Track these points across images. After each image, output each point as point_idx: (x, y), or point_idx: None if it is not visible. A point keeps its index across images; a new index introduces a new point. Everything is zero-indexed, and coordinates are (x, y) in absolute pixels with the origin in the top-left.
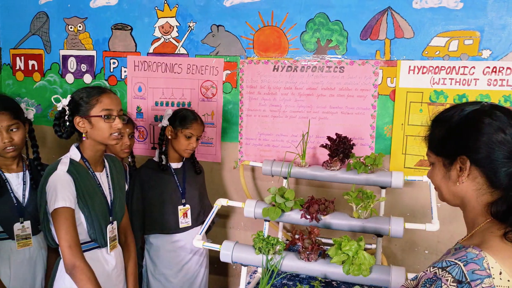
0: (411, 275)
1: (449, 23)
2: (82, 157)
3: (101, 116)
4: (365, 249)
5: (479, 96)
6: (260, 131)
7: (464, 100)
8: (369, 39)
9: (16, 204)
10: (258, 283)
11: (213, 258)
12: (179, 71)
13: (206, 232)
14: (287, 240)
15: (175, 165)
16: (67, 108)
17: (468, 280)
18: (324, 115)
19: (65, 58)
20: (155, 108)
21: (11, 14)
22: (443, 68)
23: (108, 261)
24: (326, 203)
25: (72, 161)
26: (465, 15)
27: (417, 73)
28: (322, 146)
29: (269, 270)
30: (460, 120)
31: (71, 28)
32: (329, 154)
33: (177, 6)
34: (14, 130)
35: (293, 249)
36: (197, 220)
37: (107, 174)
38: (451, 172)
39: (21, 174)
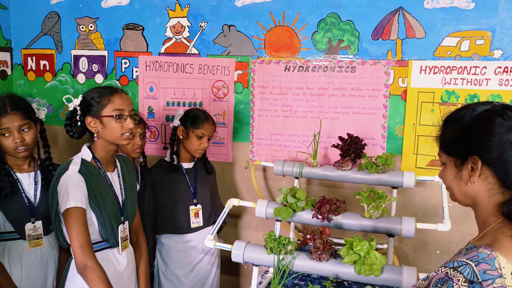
0: (422, 275)
1: (460, 23)
2: (94, 157)
3: (113, 116)
4: (377, 249)
5: (491, 96)
6: (271, 131)
7: (475, 100)
8: (380, 39)
9: (27, 204)
10: (269, 283)
11: (225, 258)
12: (191, 71)
13: (218, 232)
14: (298, 240)
15: (187, 165)
16: (78, 108)
17: (480, 280)
18: (335, 115)
19: (77, 58)
20: (166, 108)
21: (22, 14)
22: (454, 68)
23: (119, 261)
24: (337, 203)
25: (83, 161)
26: (476, 15)
27: (429, 73)
28: (333, 146)
29: (281, 270)
30: (472, 120)
31: (82, 28)
32: (340, 154)
33: (188, 6)
34: (25, 130)
35: (305, 249)
36: (208, 220)
37: (118, 174)
38: (463, 172)
39: (32, 174)
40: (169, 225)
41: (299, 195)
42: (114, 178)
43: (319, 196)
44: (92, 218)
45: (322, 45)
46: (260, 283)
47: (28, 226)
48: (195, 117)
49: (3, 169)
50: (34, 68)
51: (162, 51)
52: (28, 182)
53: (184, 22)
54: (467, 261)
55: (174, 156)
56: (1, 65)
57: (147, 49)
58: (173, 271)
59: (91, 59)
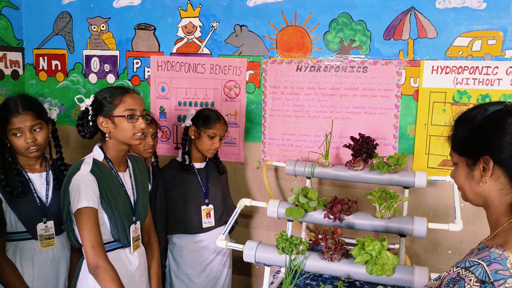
0: (434, 275)
1: (472, 23)
2: (105, 157)
3: (124, 116)
4: (388, 249)
5: (502, 96)
6: (283, 131)
7: (487, 100)
8: (392, 39)
9: (39, 204)
10: (281, 283)
11: (236, 258)
12: (202, 71)
13: (229, 232)
14: (310, 240)
15: (198, 165)
16: (90, 108)
17: (491, 280)
18: (347, 115)
19: (88, 58)
20: (178, 108)
21: (34, 14)
22: (466, 68)
23: (131, 261)
24: (349, 203)
25: (95, 161)
26: (488, 15)
27: (440, 73)
28: (345, 146)
29: (292, 270)
30: (483, 120)
31: (94, 28)
32: (352, 154)
33: (200, 6)
34: (37, 130)
35: (316, 249)
36: (220, 220)
37: (130, 174)
38: (474, 172)
39: (44, 174)
40: (181, 225)
41: (311, 195)
42: (126, 178)
43: (331, 196)
44: (103, 218)
45: (333, 45)
46: (272, 283)
47: (40, 226)
48: (207, 117)
49: (15, 169)
50: (46, 68)
51: (174, 51)
52: (40, 182)
53: (196, 22)
54: (479, 261)
55: (186, 156)
56: (13, 65)
57: (159, 49)
58: (184, 271)
59: (103, 59)
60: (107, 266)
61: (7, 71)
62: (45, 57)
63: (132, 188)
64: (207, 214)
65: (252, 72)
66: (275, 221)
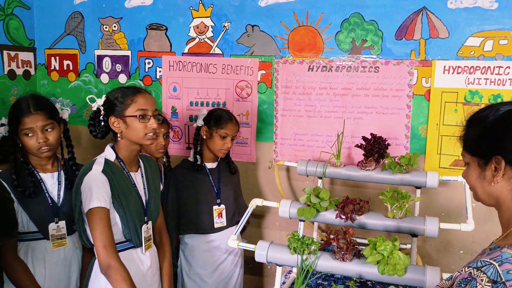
0: (446, 275)
1: (484, 23)
2: (117, 157)
3: (136, 116)
4: (400, 249)
5: None
6: (295, 131)
7: (499, 100)
8: (404, 39)
9: (51, 204)
10: (293, 283)
11: (248, 258)
12: (214, 71)
13: (241, 232)
14: (322, 240)
15: (210, 165)
16: (102, 108)
17: (503, 280)
18: (359, 115)
19: (100, 58)
20: (190, 108)
21: (46, 14)
22: (478, 68)
23: (143, 261)
24: (361, 203)
25: (107, 161)
26: (500, 15)
27: (452, 73)
28: (357, 146)
29: (304, 270)
30: (495, 120)
31: (106, 28)
32: (364, 154)
33: (212, 6)
34: (49, 130)
35: (328, 249)
36: (232, 220)
37: (142, 174)
38: (486, 172)
39: (56, 174)
40: (193, 225)
41: (323, 195)
42: (138, 178)
43: (343, 196)
44: (115, 218)
45: (345, 45)
46: (284, 283)
47: (52, 226)
48: (219, 117)
49: (26, 169)
50: (57, 68)
51: (186, 51)
52: (52, 182)
53: (208, 22)
54: (491, 261)
55: (198, 156)
56: (25, 65)
57: (171, 49)
58: (196, 271)
59: (115, 59)
60: (118, 266)
61: (19, 71)
62: (57, 57)
63: (144, 188)
64: (219, 214)
65: (263, 72)
66: (286, 221)
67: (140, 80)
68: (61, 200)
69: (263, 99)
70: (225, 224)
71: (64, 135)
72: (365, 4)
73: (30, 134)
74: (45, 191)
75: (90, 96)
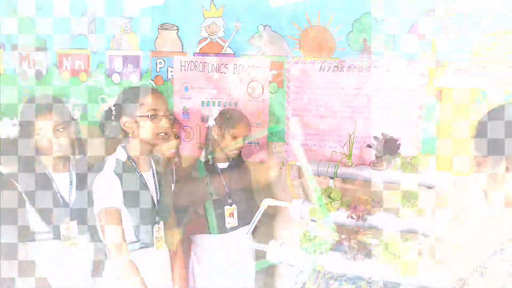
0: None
1: (495, 23)
2: (129, 157)
3: (147, 116)
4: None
5: None
6: (306, 131)
7: (510, 100)
8: (415, 39)
9: (62, 204)
10: (304, 283)
11: (260, 258)
12: (226, 71)
13: (253, 232)
14: (333, 240)
15: (222, 165)
16: (113, 108)
17: None
18: (370, 115)
19: (112, 58)
20: (201, 108)
21: (57, 14)
22: (489, 67)
23: (154, 261)
24: (372, 203)
25: (118, 161)
26: (511, 15)
27: (464, 73)
28: (368, 146)
29: (316, 270)
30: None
31: (117, 28)
32: (375, 154)
33: (223, 6)
34: (60, 130)
35: (340, 249)
36: (243, 220)
37: (153, 174)
38: (498, 172)
39: (67, 174)
40: (204, 225)
41: (334, 195)
42: (149, 178)
43: (354, 196)
44: (127, 218)
45: (357, 45)
46: (295, 283)
47: (63, 226)
48: (230, 117)
49: (38, 169)
50: (69, 68)
51: (197, 51)
52: (63, 182)
53: (219, 22)
54: None
55: (209, 156)
56: (36, 65)
57: (182, 49)
58: (208, 271)
59: (126, 59)
60: (130, 266)
61: (31, 71)
62: (69, 57)
63: (155, 188)
64: (230, 214)
65: (275, 72)
66: (298, 221)
67: (152, 80)
68: (72, 200)
69: (275, 99)
70: (236, 224)
71: (76, 135)
72: (377, 4)
73: (41, 134)
74: (57, 191)
75: (102, 96)
